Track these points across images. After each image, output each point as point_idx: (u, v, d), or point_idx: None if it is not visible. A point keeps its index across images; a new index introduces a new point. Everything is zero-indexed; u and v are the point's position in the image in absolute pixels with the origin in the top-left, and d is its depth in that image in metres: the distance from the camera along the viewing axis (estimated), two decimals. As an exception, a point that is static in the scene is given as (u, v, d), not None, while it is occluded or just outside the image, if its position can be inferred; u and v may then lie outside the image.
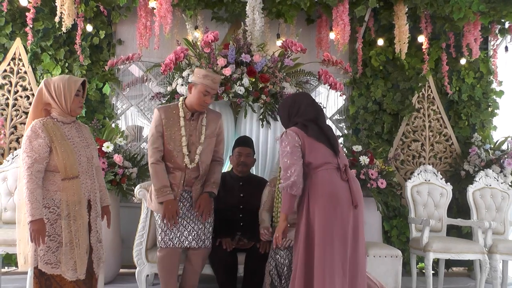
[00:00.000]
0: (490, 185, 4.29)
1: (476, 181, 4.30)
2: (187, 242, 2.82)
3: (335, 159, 2.48)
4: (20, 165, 2.36)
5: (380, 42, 4.67)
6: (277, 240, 2.49)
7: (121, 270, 4.15)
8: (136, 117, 4.79)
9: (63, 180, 2.34)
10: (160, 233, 2.84)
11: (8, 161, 3.82)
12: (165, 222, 2.79)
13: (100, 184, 2.62)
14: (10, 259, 4.15)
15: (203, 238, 2.86)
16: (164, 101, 3.77)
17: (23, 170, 2.27)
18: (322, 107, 2.75)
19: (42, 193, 2.28)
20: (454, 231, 4.52)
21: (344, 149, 4.42)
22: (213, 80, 2.84)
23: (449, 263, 4.59)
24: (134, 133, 4.73)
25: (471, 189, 4.26)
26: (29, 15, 4.05)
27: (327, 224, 2.36)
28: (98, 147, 3.70)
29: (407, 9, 4.23)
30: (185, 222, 2.85)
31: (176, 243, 2.81)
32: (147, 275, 3.17)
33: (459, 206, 4.66)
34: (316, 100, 4.15)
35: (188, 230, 2.84)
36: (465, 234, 4.55)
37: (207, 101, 2.85)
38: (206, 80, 2.82)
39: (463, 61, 4.80)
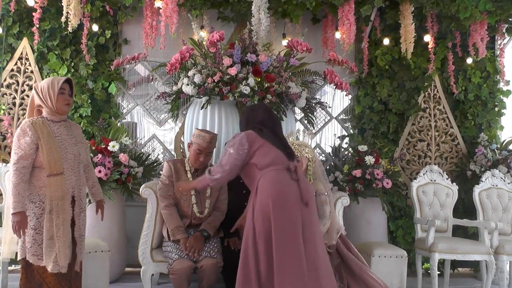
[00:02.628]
0: (497, 186, 4.27)
1: (482, 181, 4.27)
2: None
3: (287, 161, 2.54)
4: None
5: (386, 41, 4.65)
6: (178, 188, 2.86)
7: (126, 269, 4.17)
8: (142, 117, 4.80)
9: (48, 177, 2.45)
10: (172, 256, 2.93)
11: (14, 160, 3.83)
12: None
13: (92, 180, 2.80)
14: (16, 257, 4.17)
15: (212, 254, 2.91)
16: (169, 101, 3.78)
17: (11, 166, 2.41)
18: (280, 120, 2.97)
19: (26, 187, 2.42)
20: (460, 232, 4.49)
21: (350, 149, 4.42)
22: (204, 139, 3.06)
23: (455, 264, 4.56)
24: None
25: (477, 189, 4.23)
26: (36, 15, 4.07)
27: (277, 223, 2.38)
28: (104, 146, 3.72)
29: (413, 8, 4.21)
30: None
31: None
32: (152, 274, 3.18)
33: (465, 207, 4.63)
34: (322, 100, 4.20)
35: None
36: (471, 234, 4.52)
37: (201, 159, 3.07)
38: (198, 139, 3.07)
39: (469, 61, 4.77)
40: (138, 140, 4.72)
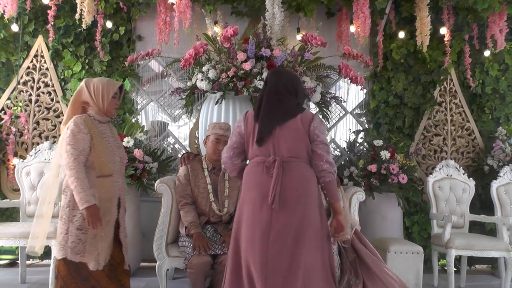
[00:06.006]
0: (515, 181, 4.19)
1: (500, 176, 4.21)
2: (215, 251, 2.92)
3: (268, 154, 2.29)
4: (55, 158, 2.52)
5: (401, 34, 4.59)
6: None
7: (142, 264, 4.21)
8: (156, 113, 4.82)
9: (97, 177, 2.43)
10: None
11: (31, 156, 3.89)
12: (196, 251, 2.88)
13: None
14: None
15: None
16: (184, 96, 3.79)
17: (69, 162, 2.35)
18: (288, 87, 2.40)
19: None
20: (477, 228, 4.43)
21: (365, 144, 4.38)
22: (220, 127, 3.16)
23: (472, 260, 4.51)
24: (156, 128, 4.76)
25: (495, 184, 4.17)
26: (51, 13, 4.11)
27: (246, 222, 2.26)
28: (119, 142, 3.75)
29: (428, 1, 4.13)
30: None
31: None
32: (167, 269, 3.20)
33: (482, 202, 4.57)
34: (337, 94, 4.17)
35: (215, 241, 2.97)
36: (489, 231, 4.45)
37: (220, 147, 3.05)
38: (214, 130, 3.15)
39: (487, 53, 4.68)
40: (153, 137, 4.73)
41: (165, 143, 4.76)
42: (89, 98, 2.50)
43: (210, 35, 3.85)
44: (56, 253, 2.46)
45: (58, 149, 2.50)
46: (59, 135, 4.38)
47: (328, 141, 4.60)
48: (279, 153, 2.24)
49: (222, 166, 2.52)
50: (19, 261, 3.76)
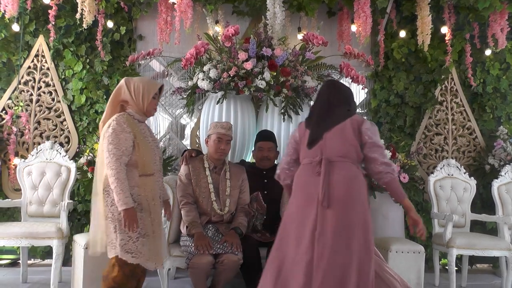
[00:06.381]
0: (517, 180, 4.19)
1: (501, 175, 4.21)
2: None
3: (315, 154, 2.35)
4: (98, 156, 2.46)
5: (402, 34, 4.58)
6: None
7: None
8: (157, 112, 4.80)
9: (140, 176, 2.43)
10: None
11: (32, 155, 3.89)
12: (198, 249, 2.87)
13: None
14: (35, 251, 4.25)
15: (234, 250, 2.90)
16: (185, 96, 3.78)
17: (110, 161, 2.33)
18: (340, 94, 2.50)
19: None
20: (478, 227, 4.43)
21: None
22: (222, 126, 3.15)
23: (473, 260, 4.51)
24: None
25: (496, 183, 4.17)
26: (52, 13, 4.11)
27: (293, 220, 2.32)
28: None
29: (430, 0, 4.14)
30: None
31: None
32: (169, 269, 3.19)
33: (483, 201, 4.56)
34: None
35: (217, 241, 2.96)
36: (490, 230, 4.45)
37: (222, 146, 3.10)
38: (216, 129, 3.14)
39: (488, 52, 4.68)
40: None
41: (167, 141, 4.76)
42: (129, 97, 2.48)
43: (211, 34, 3.85)
44: (108, 253, 2.43)
45: (100, 146, 2.46)
46: (60, 135, 4.43)
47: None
48: (326, 154, 2.29)
49: (276, 174, 2.53)
50: (20, 261, 3.77)
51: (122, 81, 2.51)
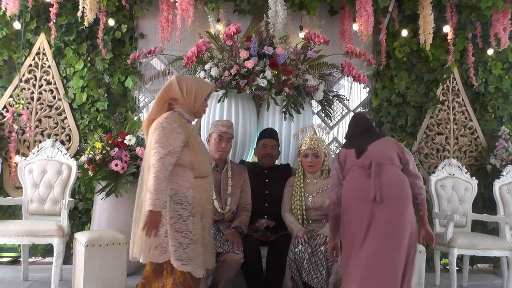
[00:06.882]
0: (518, 180, 4.18)
1: (503, 175, 4.20)
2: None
3: (359, 160, 2.55)
4: (148, 157, 2.31)
5: (404, 33, 4.57)
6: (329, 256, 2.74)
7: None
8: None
9: (195, 178, 2.33)
10: None
11: (33, 153, 3.88)
12: None
13: None
14: (36, 250, 4.25)
15: (236, 250, 2.88)
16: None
17: (153, 159, 2.21)
18: (366, 123, 2.85)
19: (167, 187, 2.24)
20: (479, 227, 4.42)
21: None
22: (223, 124, 3.14)
23: (474, 260, 4.50)
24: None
25: (497, 183, 4.16)
26: (53, 10, 4.10)
27: (345, 221, 2.49)
28: (120, 140, 3.74)
29: (432, -1, 4.14)
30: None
31: None
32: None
33: (484, 201, 4.55)
34: (339, 93, 4.15)
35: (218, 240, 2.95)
36: (491, 230, 4.44)
37: (222, 145, 3.10)
38: (216, 127, 3.13)
39: (490, 52, 4.66)
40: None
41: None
42: (179, 96, 2.38)
43: (213, 33, 3.85)
44: (152, 257, 2.29)
45: (148, 144, 2.37)
46: (61, 133, 4.43)
47: (331, 140, 4.65)
48: (375, 159, 2.49)
49: (328, 205, 2.64)
50: (21, 259, 3.77)
51: (174, 78, 2.42)
